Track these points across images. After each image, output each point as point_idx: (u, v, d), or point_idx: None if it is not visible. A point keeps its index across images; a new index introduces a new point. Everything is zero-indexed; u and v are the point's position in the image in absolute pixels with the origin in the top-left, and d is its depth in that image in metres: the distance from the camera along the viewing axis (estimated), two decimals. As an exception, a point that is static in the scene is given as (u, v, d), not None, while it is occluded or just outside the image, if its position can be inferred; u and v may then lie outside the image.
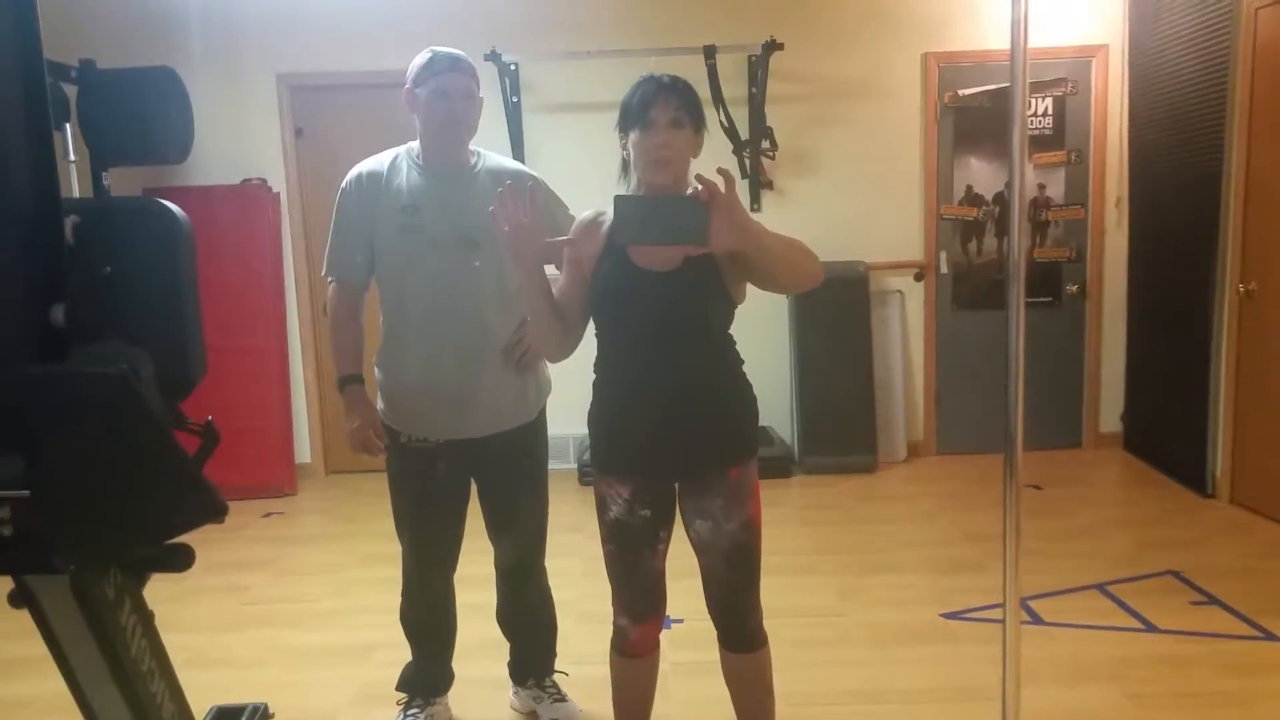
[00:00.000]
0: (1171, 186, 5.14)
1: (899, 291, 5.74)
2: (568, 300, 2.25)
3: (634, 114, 2.13)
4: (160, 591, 1.46)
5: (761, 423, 2.37)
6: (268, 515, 5.19)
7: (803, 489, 5.32)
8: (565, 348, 2.26)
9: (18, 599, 1.40)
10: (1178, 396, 5.10)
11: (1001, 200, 5.68)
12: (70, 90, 1.36)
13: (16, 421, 1.15)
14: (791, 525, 4.68)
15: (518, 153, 5.24)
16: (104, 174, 1.38)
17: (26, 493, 1.16)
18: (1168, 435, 5.27)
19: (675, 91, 2.12)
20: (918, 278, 5.73)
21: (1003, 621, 2.28)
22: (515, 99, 5.32)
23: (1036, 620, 3.52)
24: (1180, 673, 3.13)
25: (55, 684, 2.64)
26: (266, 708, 2.00)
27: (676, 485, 2.31)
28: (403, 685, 2.91)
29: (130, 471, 1.17)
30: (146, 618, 1.42)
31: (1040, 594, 3.72)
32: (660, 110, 2.10)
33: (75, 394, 1.12)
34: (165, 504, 1.22)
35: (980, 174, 5.69)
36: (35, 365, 1.15)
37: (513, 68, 5.29)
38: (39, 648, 1.47)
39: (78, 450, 1.14)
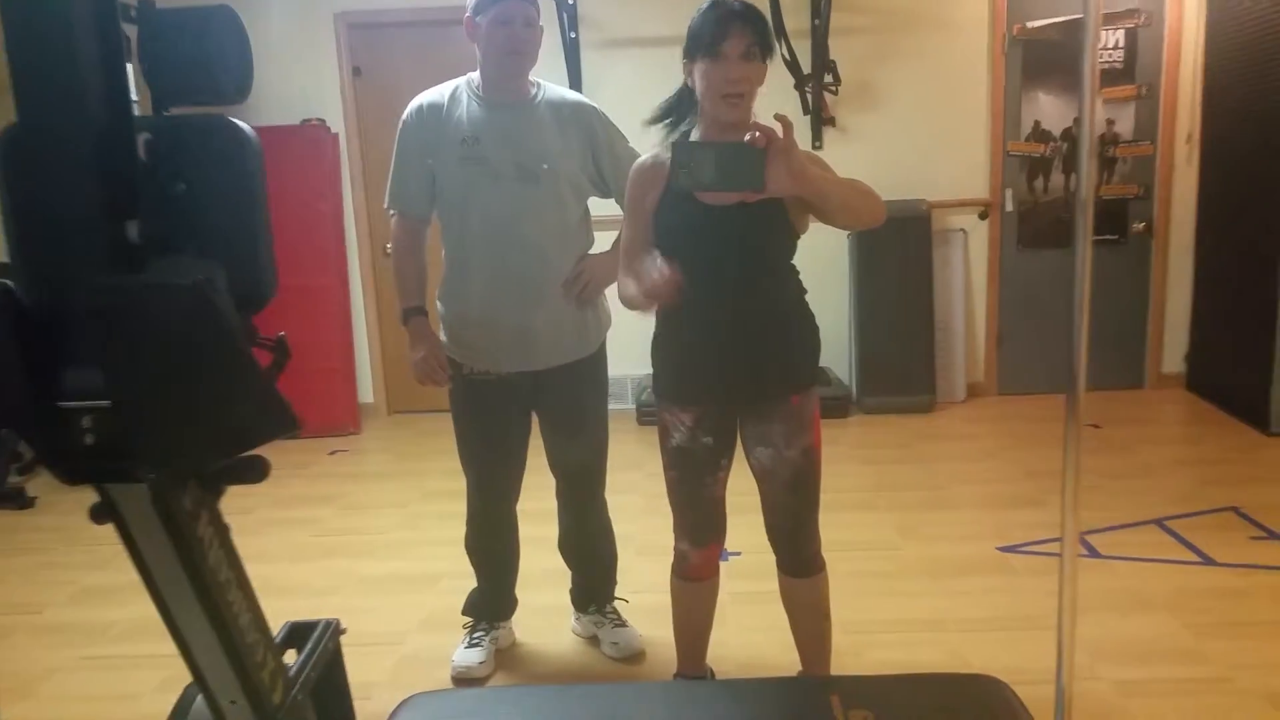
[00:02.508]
0: (1246, 122, 4.95)
1: (962, 230, 5.64)
2: (636, 247, 2.25)
3: (704, 43, 2.06)
4: (231, 523, 1.50)
5: (820, 362, 2.37)
6: (334, 453, 5.31)
7: (861, 428, 5.30)
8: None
9: (101, 513, 1.45)
10: (1243, 335, 4.97)
11: (1070, 136, 5.53)
12: (130, 31, 1.38)
13: (96, 333, 1.18)
14: (850, 464, 4.68)
15: (576, 89, 5.18)
16: (164, 114, 1.40)
17: (107, 403, 1.20)
18: (1231, 374, 5.15)
19: (749, 21, 2.06)
20: (982, 216, 5.62)
21: (1060, 555, 2.27)
22: (573, 34, 5.27)
23: (1094, 553, 3.50)
24: (1238, 603, 3.12)
25: (133, 609, 2.74)
26: (338, 623, 2.06)
27: (738, 412, 2.32)
28: (468, 610, 2.98)
29: (206, 382, 1.20)
30: (223, 530, 1.47)
31: (1098, 528, 3.69)
32: (734, 43, 2.04)
33: (153, 305, 1.15)
34: (240, 415, 1.26)
35: (1049, 109, 5.54)
36: (112, 277, 1.18)
37: (570, 2, 5.23)
38: (116, 577, 1.54)
39: (156, 361, 1.17)
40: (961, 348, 5.70)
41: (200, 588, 1.46)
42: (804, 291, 2.30)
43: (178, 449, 1.25)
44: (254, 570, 1.56)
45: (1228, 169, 5.21)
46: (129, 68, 1.36)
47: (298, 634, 2.01)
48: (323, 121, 5.56)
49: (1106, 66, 5.45)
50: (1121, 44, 5.44)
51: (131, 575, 1.43)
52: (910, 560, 3.55)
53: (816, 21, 5.24)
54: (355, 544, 4.01)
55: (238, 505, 1.47)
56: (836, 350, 5.66)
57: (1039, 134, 5.57)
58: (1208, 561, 3.42)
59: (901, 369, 5.53)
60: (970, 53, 5.47)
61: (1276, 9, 4.65)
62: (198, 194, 1.24)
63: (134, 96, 1.37)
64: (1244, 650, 2.84)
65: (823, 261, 5.47)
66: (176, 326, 1.15)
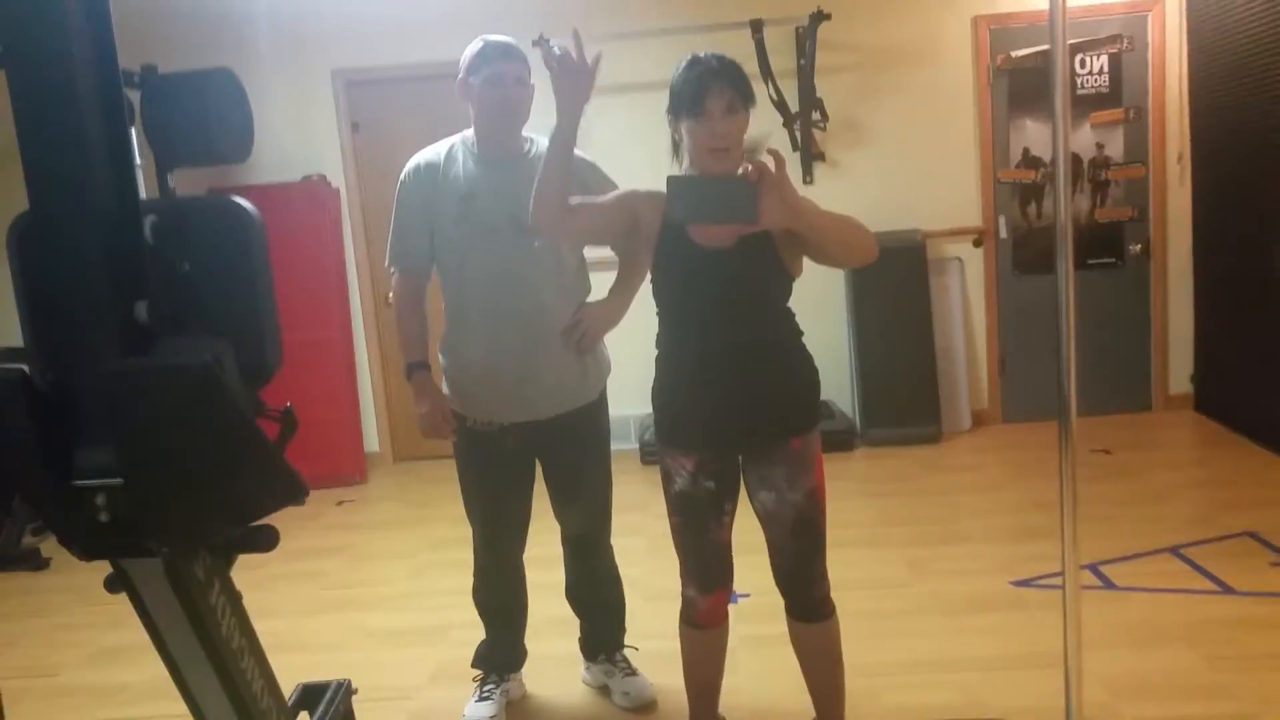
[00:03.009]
0: (1235, 139, 5.00)
1: (958, 258, 5.68)
2: (591, 210, 2.26)
3: (686, 102, 2.12)
4: (242, 579, 1.52)
5: (822, 396, 2.39)
6: (341, 503, 5.32)
7: (866, 462, 5.30)
8: (555, 216, 2.20)
9: (114, 583, 1.47)
10: (1250, 354, 4.98)
11: (1060, 162, 5.58)
12: (133, 96, 1.42)
13: (109, 414, 1.21)
14: (856, 498, 4.67)
15: (569, 137, 5.25)
16: (169, 176, 1.43)
17: (120, 481, 1.23)
18: (1240, 394, 5.15)
19: (726, 79, 2.11)
20: (976, 244, 5.66)
21: (1062, 588, 2.27)
22: (564, 83, 5.33)
23: (1108, 584, 3.48)
24: (1259, 635, 3.07)
25: (147, 671, 2.73)
26: (350, 684, 2.07)
27: (740, 456, 2.34)
28: (478, 662, 2.98)
29: (216, 457, 1.23)
30: (234, 598, 1.49)
31: (1111, 558, 3.67)
32: (715, 100, 2.09)
33: (162, 385, 1.18)
34: (249, 487, 1.28)
35: (1037, 136, 5.59)
36: (124, 359, 1.21)
37: (560, 54, 5.29)
38: (131, 637, 1.55)
39: (166, 438, 1.20)
40: (964, 376, 5.71)
41: (213, 656, 1.48)
42: (800, 333, 2.33)
43: (190, 523, 1.28)
44: (265, 626, 1.58)
45: (1220, 186, 5.25)
46: (133, 132, 1.39)
47: (310, 696, 2.02)
48: (323, 177, 5.62)
49: (1092, 92, 5.52)
50: (1106, 69, 5.50)
51: (146, 636, 1.45)
52: (922, 597, 3.54)
53: (802, 61, 5.32)
54: (364, 596, 4.01)
55: (247, 561, 1.49)
56: (839, 383, 5.68)
57: (1029, 160, 5.62)
58: (1226, 590, 3.38)
59: (905, 400, 5.53)
60: (956, 84, 5.54)
61: (1255, 27, 4.72)
62: (204, 273, 1.28)
63: (138, 161, 1.41)
64: (1269, 684, 2.79)
65: (821, 294, 5.50)
66: (186, 405, 1.18)
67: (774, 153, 1.97)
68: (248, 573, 1.50)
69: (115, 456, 1.20)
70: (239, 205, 1.30)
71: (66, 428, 1.22)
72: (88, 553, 1.29)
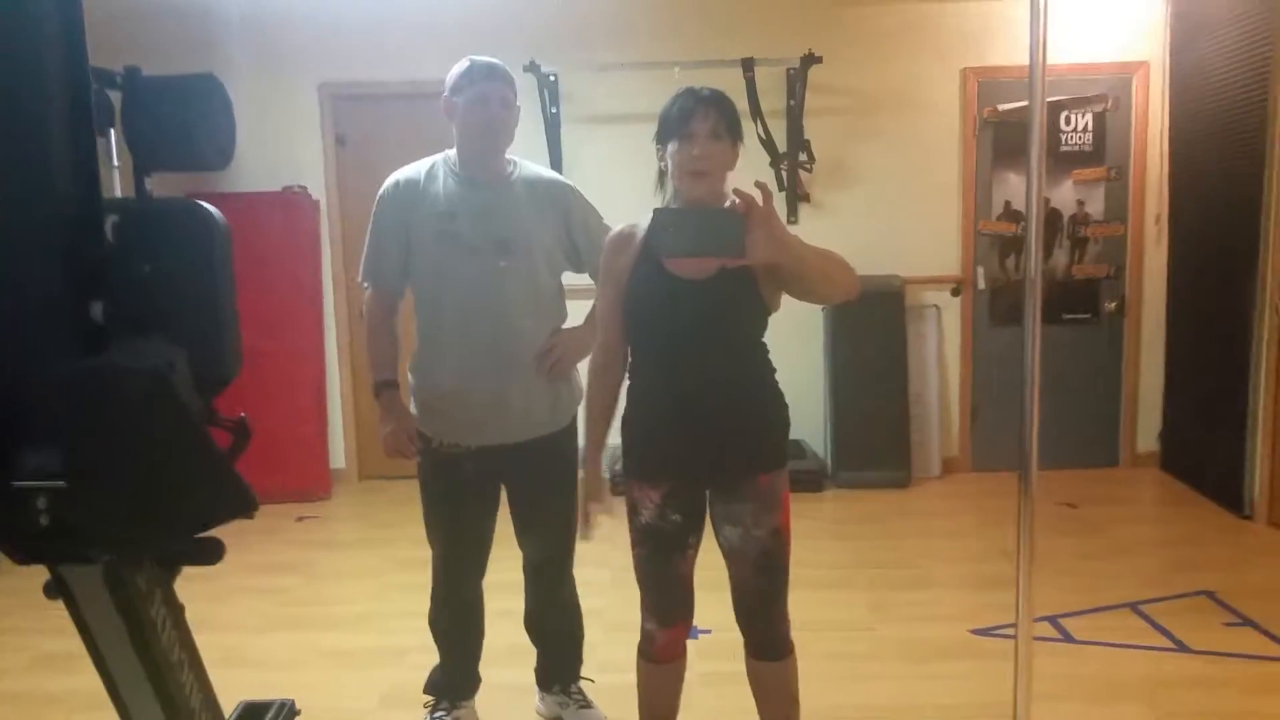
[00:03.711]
0: (1212, 203, 5.07)
1: (935, 306, 5.71)
2: (611, 317, 2.31)
3: (672, 126, 2.16)
4: (196, 591, 1.48)
5: (794, 436, 2.38)
6: (302, 519, 5.24)
7: (835, 503, 5.29)
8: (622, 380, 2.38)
9: (53, 590, 1.43)
10: (1216, 416, 5.02)
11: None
12: (115, 97, 1.39)
13: (55, 414, 1.18)
14: (823, 539, 4.66)
15: (555, 163, 5.27)
16: (146, 180, 1.41)
17: (63, 484, 1.19)
18: (1205, 455, 5.18)
19: (714, 105, 2.15)
20: (955, 293, 5.69)
21: (1015, 638, 2.27)
22: (554, 110, 5.36)
23: (1067, 638, 3.48)
24: (1212, 694, 3.09)
25: (87, 680, 2.68)
26: (293, 704, 2.01)
27: (707, 491, 2.32)
28: (430, 688, 2.93)
29: (164, 465, 1.19)
30: (177, 610, 1.45)
31: (1071, 612, 3.68)
32: (699, 123, 2.13)
33: (112, 388, 1.15)
34: (198, 498, 1.25)
35: (1019, 189, 5.63)
36: (74, 360, 1.18)
37: (551, 79, 5.33)
38: (71, 644, 1.50)
39: (113, 443, 1.17)
40: (936, 423, 5.72)
41: (152, 669, 1.44)
42: (773, 370, 2.32)
43: (133, 531, 1.24)
44: (216, 640, 1.54)
45: (1195, 250, 5.31)
46: (112, 134, 1.36)
47: (252, 715, 1.97)
48: (304, 188, 5.59)
49: (1076, 149, 5.58)
50: (1090, 127, 5.57)
51: (89, 644, 1.41)
52: (883, 642, 3.52)
53: (791, 102, 5.36)
54: (321, 615, 3.94)
55: (202, 573, 1.44)
56: (812, 424, 5.67)
57: (1009, 214, 5.66)
58: (1182, 649, 3.39)
59: (877, 444, 5.53)
60: (942, 133, 5.58)
61: (1235, 94, 4.79)
62: (164, 276, 1.25)
63: (116, 163, 1.38)
64: (1219, 744, 2.81)
65: (798, 335, 5.50)
66: (135, 410, 1.15)
67: (761, 185, 1.97)
68: (202, 584, 1.46)
69: (59, 458, 1.17)
70: (204, 210, 1.28)
71: (10, 425, 1.19)
72: (24, 556, 1.25)
